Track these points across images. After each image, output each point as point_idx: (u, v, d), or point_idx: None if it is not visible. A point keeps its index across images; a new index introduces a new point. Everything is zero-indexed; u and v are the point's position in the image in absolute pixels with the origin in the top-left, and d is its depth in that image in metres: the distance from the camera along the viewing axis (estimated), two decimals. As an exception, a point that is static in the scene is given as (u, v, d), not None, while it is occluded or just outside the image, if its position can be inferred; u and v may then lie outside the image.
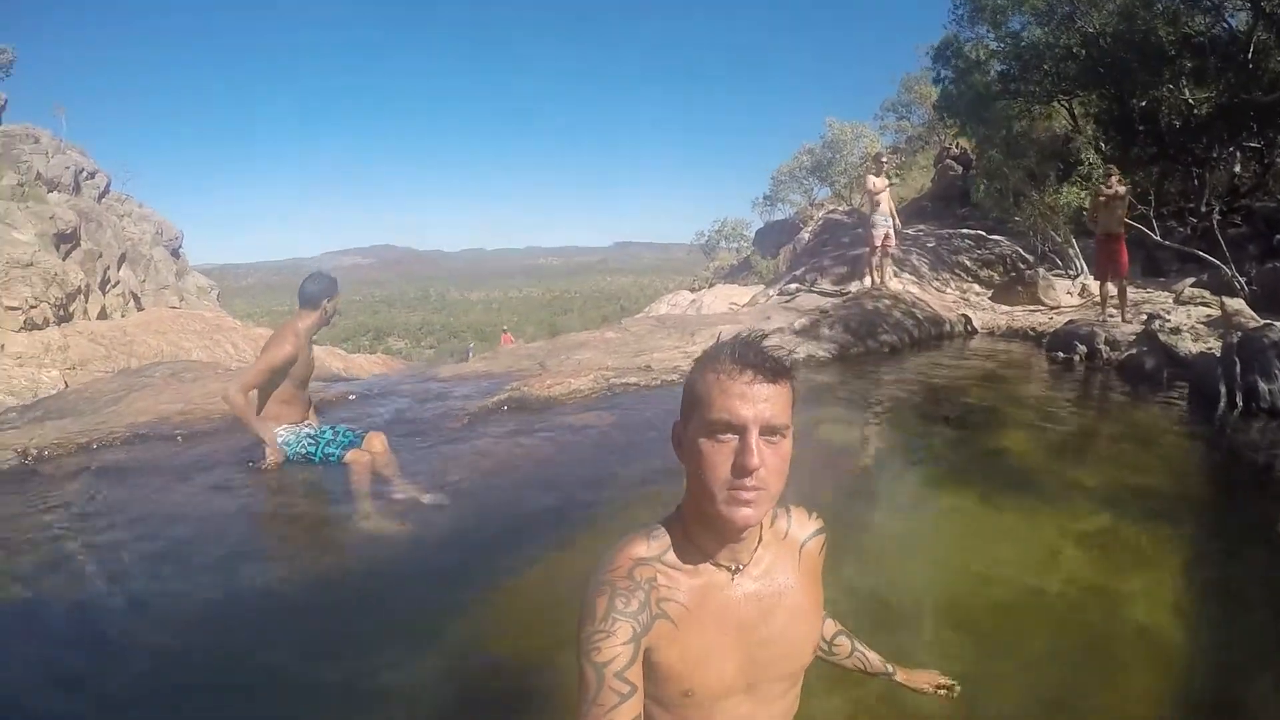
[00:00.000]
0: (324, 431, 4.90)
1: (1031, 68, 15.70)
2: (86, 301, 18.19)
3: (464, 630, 3.12)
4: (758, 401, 1.38)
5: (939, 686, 2.13)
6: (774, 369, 1.41)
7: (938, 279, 13.30)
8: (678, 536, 1.51)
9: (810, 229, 24.82)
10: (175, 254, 27.49)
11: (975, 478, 4.70)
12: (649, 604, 1.41)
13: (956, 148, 23.71)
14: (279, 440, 4.82)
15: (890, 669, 2.09)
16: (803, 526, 1.69)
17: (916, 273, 13.24)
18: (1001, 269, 14.19)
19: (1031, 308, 11.83)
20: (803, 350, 8.59)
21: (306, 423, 4.95)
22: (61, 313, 16.87)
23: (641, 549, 1.49)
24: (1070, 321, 9.33)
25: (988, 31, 16.78)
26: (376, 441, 4.97)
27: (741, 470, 1.37)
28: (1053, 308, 11.78)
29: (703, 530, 1.49)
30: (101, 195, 23.37)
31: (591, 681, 1.34)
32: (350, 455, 4.82)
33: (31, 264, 16.29)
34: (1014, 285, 12.78)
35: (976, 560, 3.57)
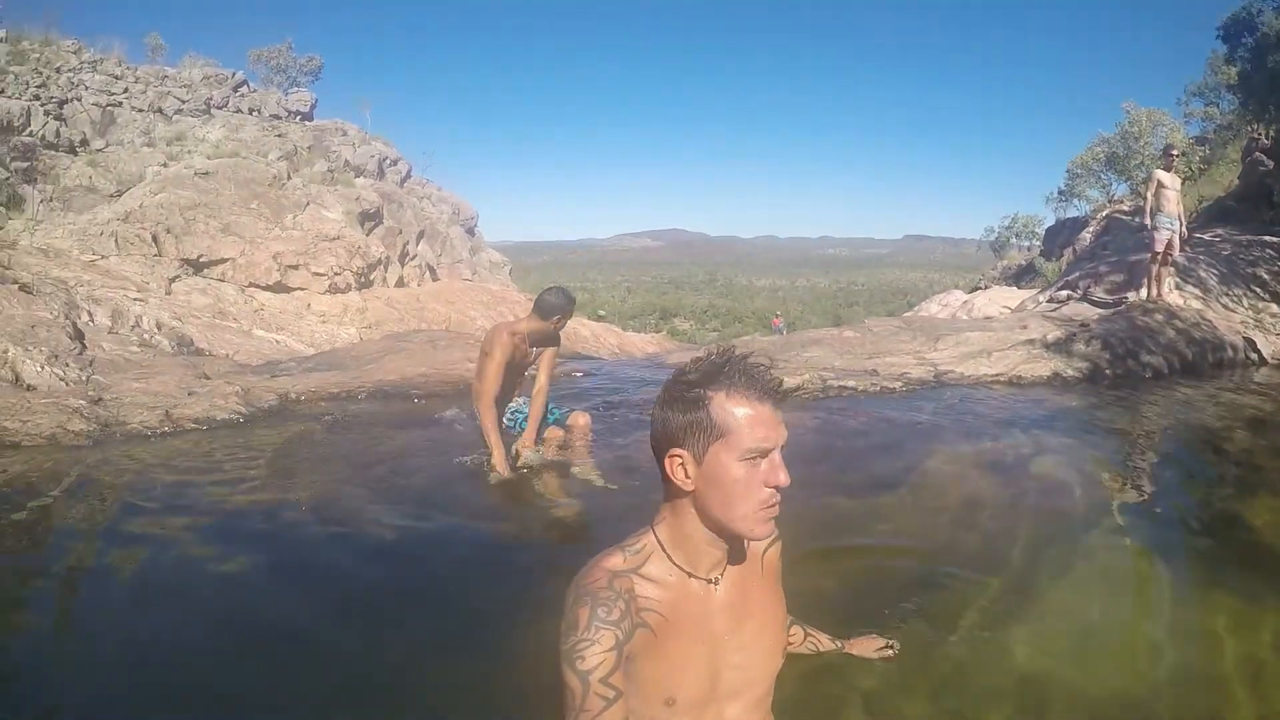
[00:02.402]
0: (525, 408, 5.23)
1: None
2: (386, 272, 20.21)
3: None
4: (779, 425, 1.50)
5: (881, 649, 2.42)
6: (782, 392, 1.53)
7: (1227, 294, 11.65)
8: (653, 551, 1.57)
9: (1092, 229, 22.71)
10: (470, 232, 29.69)
11: (1206, 553, 3.96)
12: (630, 613, 1.46)
13: (1267, 138, 20.50)
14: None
15: (840, 644, 2.36)
16: None
17: (1203, 285, 11.68)
18: (1310, 288, 12.21)
19: (1340, 337, 10.11)
20: (1046, 367, 7.87)
21: (513, 400, 5.27)
22: (362, 280, 18.90)
23: (618, 562, 1.54)
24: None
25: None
26: (580, 420, 5.30)
27: (775, 489, 1.49)
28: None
29: (685, 545, 1.56)
30: (403, 180, 25.81)
31: (577, 689, 1.39)
32: (547, 433, 5.17)
33: (338, 238, 18.41)
34: (1321, 308, 10.95)
35: (1176, 656, 2.98)
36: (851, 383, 7.09)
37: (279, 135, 21.20)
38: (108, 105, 18.70)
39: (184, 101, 20.74)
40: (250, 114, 22.28)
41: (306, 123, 23.87)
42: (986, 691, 2.69)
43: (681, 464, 1.50)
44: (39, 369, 7.28)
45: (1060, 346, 8.34)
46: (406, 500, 4.44)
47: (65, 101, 17.73)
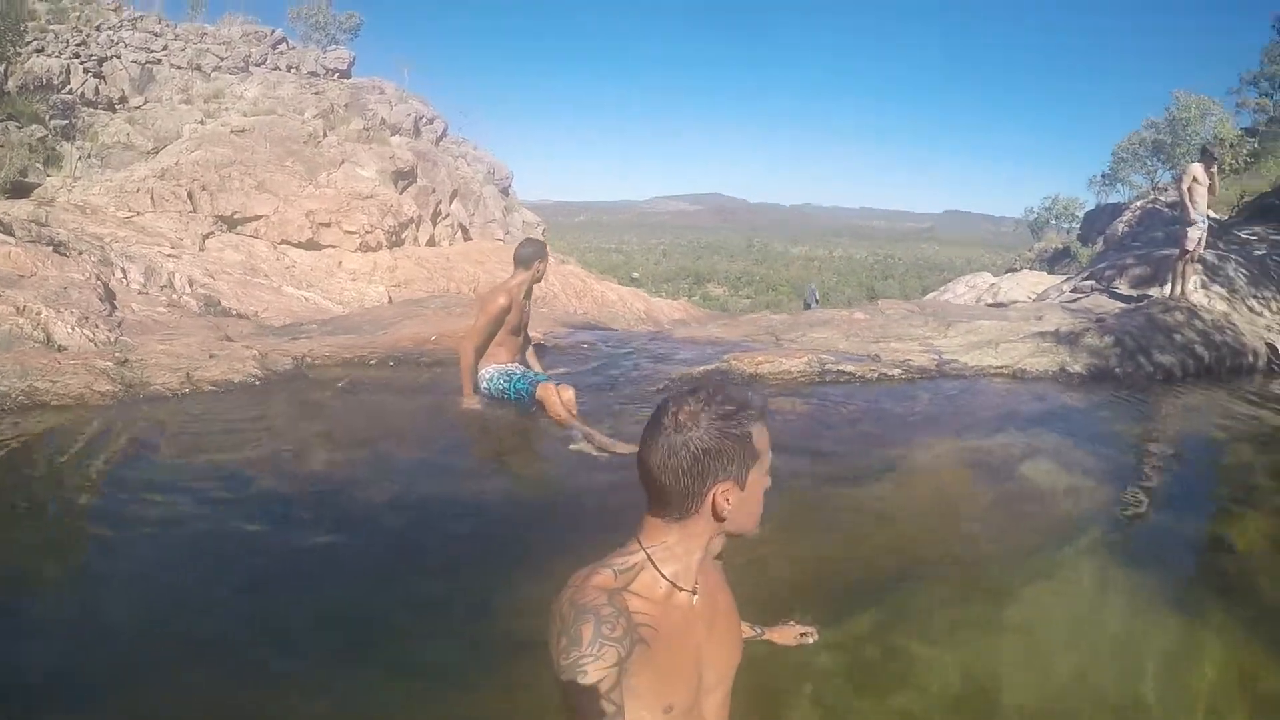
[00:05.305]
0: (526, 373, 5.52)
1: None
2: (418, 231, 20.40)
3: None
4: None
5: (800, 635, 2.45)
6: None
7: (1255, 296, 11.38)
8: (644, 567, 1.62)
9: (1126, 218, 22.21)
10: (505, 192, 29.72)
11: (1181, 575, 3.98)
12: (630, 629, 1.51)
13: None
14: (484, 378, 5.48)
15: (759, 630, 2.39)
16: None
17: (1230, 285, 11.41)
18: (1348, 292, 11.80)
19: (1371, 344, 9.82)
20: (1053, 361, 7.67)
21: (511, 364, 5.56)
22: (394, 239, 19.12)
23: (609, 580, 1.58)
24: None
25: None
26: (566, 394, 5.32)
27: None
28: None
29: (684, 560, 1.63)
30: (439, 139, 25.93)
31: (578, 704, 1.45)
32: (539, 390, 5.26)
33: (371, 196, 18.62)
34: (1357, 314, 10.66)
35: (1128, 678, 3.04)
36: (850, 368, 7.03)
37: (316, 93, 21.41)
38: (147, 63, 19.06)
39: (222, 59, 21.02)
40: (288, 71, 22.51)
41: (344, 81, 24.03)
42: (937, 695, 2.81)
43: (726, 495, 1.58)
44: (70, 330, 7.56)
45: (1069, 340, 8.07)
46: (408, 468, 4.75)
47: (104, 59, 18.12)
